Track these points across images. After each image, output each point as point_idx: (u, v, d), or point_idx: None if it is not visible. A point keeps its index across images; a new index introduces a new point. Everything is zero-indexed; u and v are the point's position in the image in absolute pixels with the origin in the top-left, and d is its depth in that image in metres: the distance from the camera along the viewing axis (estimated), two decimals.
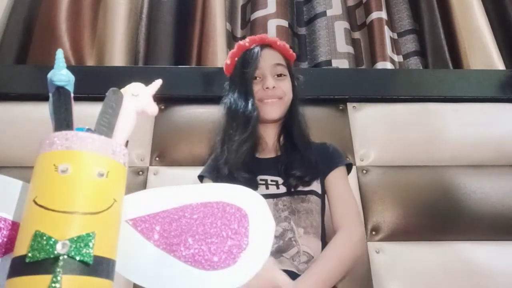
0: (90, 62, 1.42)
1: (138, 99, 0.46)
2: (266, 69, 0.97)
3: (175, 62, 1.46)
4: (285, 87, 0.99)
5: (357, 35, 1.63)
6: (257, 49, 0.99)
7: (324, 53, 1.52)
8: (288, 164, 0.92)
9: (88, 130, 0.40)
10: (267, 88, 0.95)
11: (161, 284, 0.38)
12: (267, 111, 0.96)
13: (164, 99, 1.27)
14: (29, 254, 0.33)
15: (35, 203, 0.35)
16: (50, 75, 0.41)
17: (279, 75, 0.99)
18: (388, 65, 1.46)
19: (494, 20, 1.55)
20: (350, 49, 1.54)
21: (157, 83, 0.50)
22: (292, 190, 0.89)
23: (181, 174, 1.19)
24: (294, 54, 1.07)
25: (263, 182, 0.91)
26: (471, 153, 1.26)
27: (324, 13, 1.59)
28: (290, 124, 1.00)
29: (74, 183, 0.36)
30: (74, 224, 0.34)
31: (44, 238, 0.33)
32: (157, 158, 1.22)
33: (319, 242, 0.88)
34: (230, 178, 0.89)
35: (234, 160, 0.90)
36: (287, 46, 1.04)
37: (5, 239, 0.38)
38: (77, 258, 0.33)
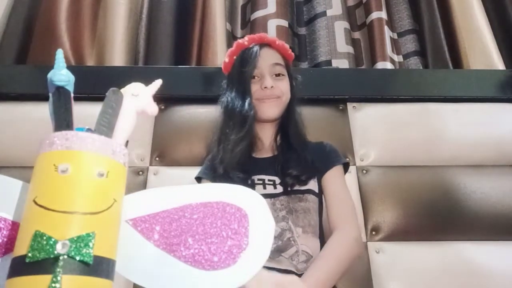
0: (90, 62, 1.42)
1: (138, 99, 0.46)
2: (265, 68, 0.97)
3: (175, 62, 1.46)
4: (283, 87, 0.99)
5: (357, 35, 1.63)
6: (256, 48, 0.99)
7: (324, 53, 1.52)
8: (284, 163, 0.92)
9: (88, 130, 0.40)
10: (265, 87, 0.95)
11: (161, 284, 0.38)
12: (264, 111, 0.96)
13: (164, 99, 1.27)
14: (29, 254, 0.33)
15: (35, 203, 0.35)
16: (50, 75, 0.41)
17: (278, 75, 0.99)
18: (388, 65, 1.46)
19: (494, 20, 1.55)
20: (350, 49, 1.54)
21: (157, 83, 0.50)
22: (289, 189, 0.89)
23: (181, 174, 1.19)
24: (292, 53, 1.07)
25: (261, 182, 0.91)
26: (471, 153, 1.26)
27: (324, 13, 1.59)
28: (287, 123, 1.00)
29: (74, 183, 0.36)
30: (74, 224, 0.34)
31: (44, 238, 0.33)
32: (157, 158, 1.22)
33: (318, 241, 0.88)
34: (226, 177, 0.89)
35: (230, 160, 0.90)
36: (286, 45, 1.04)
37: (5, 239, 0.38)
38: (77, 258, 0.33)
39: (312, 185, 0.92)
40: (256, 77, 0.97)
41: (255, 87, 0.96)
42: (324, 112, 1.32)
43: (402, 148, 1.26)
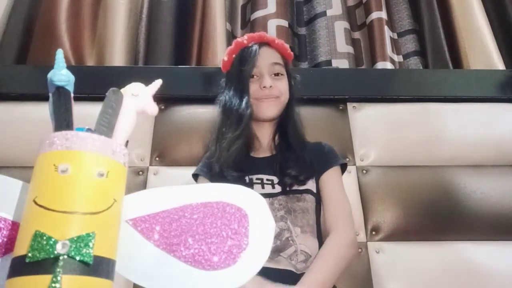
0: (90, 62, 1.42)
1: (138, 99, 0.46)
2: (264, 67, 0.97)
3: (175, 62, 1.46)
4: (282, 86, 0.98)
5: (357, 35, 1.63)
6: (255, 47, 0.98)
7: (324, 53, 1.52)
8: (283, 163, 0.92)
9: (88, 130, 0.40)
10: (264, 87, 0.95)
11: (161, 284, 0.38)
12: (263, 110, 0.96)
13: (164, 99, 1.27)
14: (29, 254, 0.33)
15: (35, 203, 0.35)
16: (50, 75, 0.41)
17: (277, 74, 0.98)
18: (388, 65, 1.46)
19: (494, 20, 1.55)
20: (350, 49, 1.54)
21: (157, 83, 0.50)
22: (288, 189, 0.89)
23: (181, 174, 1.19)
24: (292, 53, 1.06)
25: (259, 181, 0.91)
26: (471, 153, 1.26)
27: (324, 13, 1.59)
28: (285, 123, 0.99)
29: (74, 183, 0.36)
30: (74, 224, 0.34)
31: (44, 238, 0.33)
32: (157, 158, 1.22)
33: (316, 241, 0.88)
34: (221, 176, 0.89)
35: (226, 158, 0.90)
36: (285, 45, 1.04)
37: (5, 239, 0.38)
38: (77, 258, 0.33)
39: (310, 185, 0.92)
40: (255, 76, 0.97)
41: (254, 86, 0.96)
42: (324, 112, 1.32)
43: (402, 148, 1.26)
